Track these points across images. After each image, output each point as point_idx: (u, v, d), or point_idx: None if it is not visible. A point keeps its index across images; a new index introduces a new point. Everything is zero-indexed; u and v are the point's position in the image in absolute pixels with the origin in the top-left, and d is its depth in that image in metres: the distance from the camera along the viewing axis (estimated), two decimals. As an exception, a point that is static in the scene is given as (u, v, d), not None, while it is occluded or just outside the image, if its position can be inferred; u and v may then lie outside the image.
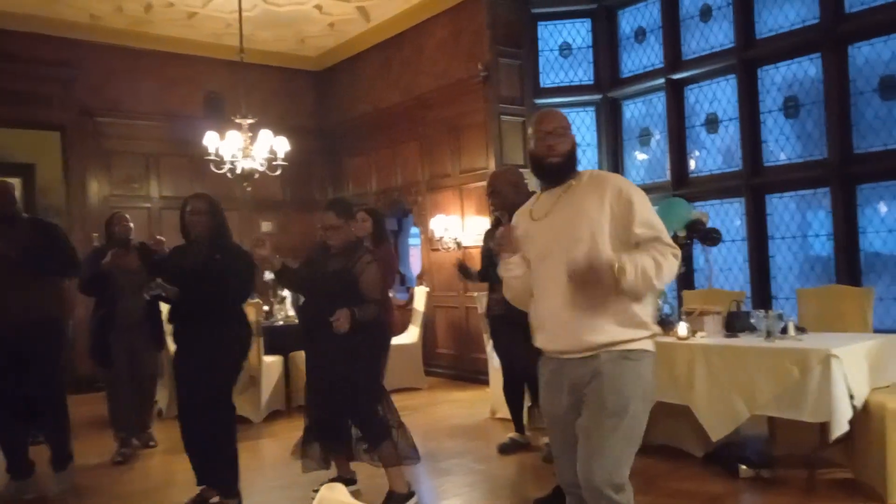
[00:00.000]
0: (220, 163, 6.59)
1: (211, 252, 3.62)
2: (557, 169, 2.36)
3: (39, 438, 4.37)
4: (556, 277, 2.24)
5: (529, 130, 2.44)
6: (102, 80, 7.98)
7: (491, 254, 4.00)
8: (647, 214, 2.25)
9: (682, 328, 4.11)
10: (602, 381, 2.20)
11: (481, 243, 4.99)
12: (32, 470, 4.15)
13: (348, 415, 3.68)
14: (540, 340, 2.38)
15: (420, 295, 7.26)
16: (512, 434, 4.79)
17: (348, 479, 3.90)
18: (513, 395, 4.77)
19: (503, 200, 3.89)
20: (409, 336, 7.18)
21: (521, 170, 4.37)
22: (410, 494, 3.65)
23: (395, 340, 7.22)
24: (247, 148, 6.68)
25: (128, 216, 5.02)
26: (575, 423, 2.26)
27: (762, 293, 5.64)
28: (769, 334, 3.76)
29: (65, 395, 4.22)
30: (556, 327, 2.29)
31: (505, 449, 4.67)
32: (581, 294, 2.19)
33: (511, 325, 3.87)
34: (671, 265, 2.20)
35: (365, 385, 3.61)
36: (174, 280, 3.60)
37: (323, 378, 3.63)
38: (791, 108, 5.58)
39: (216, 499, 3.72)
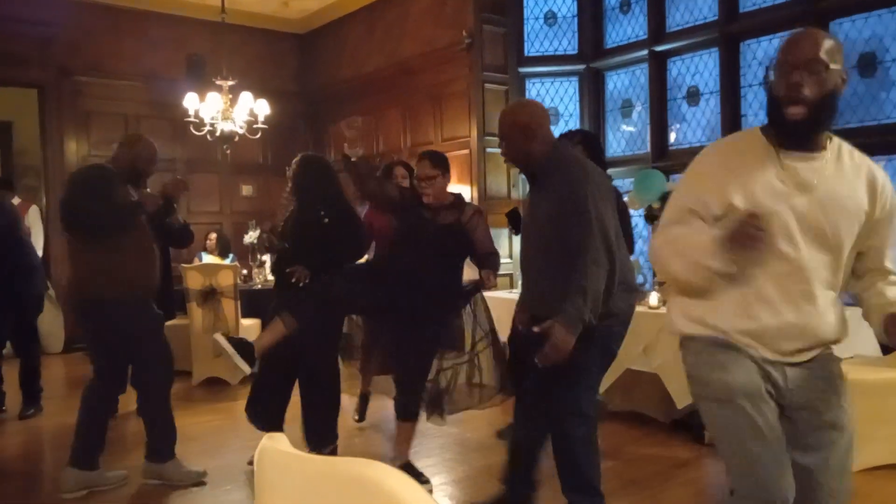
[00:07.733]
0: (199, 125, 6.54)
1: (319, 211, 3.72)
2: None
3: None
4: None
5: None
6: (82, 40, 7.83)
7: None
8: None
9: (654, 298, 4.17)
10: None
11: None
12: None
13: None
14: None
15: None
16: None
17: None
18: None
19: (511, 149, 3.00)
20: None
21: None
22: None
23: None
24: (227, 110, 6.62)
25: None
26: None
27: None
28: (737, 305, 3.81)
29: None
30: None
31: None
32: None
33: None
34: None
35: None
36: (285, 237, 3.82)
37: (410, 334, 3.44)
38: (772, 82, 5.59)
39: None
